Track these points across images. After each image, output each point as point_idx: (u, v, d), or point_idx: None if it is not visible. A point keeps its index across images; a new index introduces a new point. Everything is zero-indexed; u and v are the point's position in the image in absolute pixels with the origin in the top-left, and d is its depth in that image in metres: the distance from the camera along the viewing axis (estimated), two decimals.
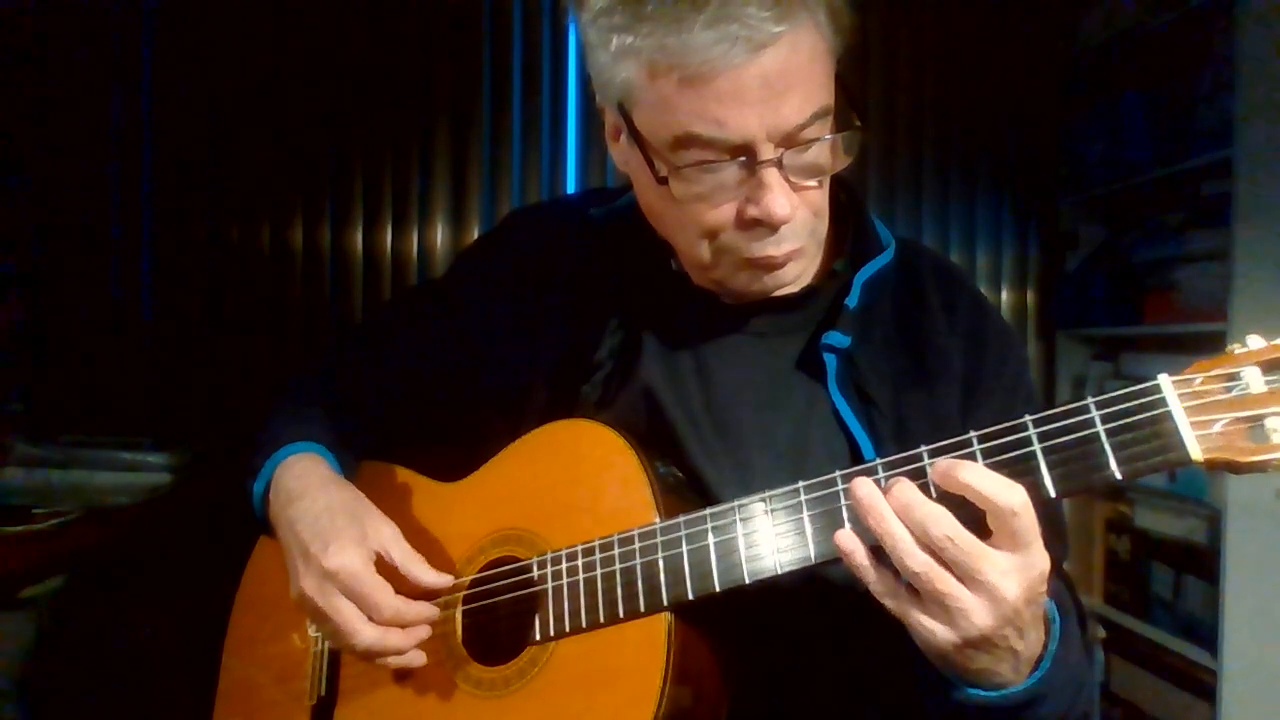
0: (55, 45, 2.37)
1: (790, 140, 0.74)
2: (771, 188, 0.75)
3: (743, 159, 0.74)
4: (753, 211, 0.76)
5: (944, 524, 0.63)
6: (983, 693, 0.70)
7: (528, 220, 1.06)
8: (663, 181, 0.77)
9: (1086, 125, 2.57)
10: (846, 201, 0.94)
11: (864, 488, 0.67)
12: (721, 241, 0.80)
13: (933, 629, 0.65)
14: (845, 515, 0.70)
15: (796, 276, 0.85)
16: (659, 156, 0.77)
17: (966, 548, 0.63)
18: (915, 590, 0.65)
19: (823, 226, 0.84)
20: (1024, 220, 2.68)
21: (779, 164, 0.74)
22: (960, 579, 0.63)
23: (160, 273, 2.43)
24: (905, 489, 0.65)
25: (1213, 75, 2.08)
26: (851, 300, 0.87)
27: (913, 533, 0.64)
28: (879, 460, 0.70)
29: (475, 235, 2.50)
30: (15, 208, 2.32)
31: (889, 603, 0.66)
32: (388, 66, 2.48)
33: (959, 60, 2.63)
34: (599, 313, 0.91)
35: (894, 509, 0.65)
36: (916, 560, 0.64)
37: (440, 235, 2.51)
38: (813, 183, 0.79)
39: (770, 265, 0.81)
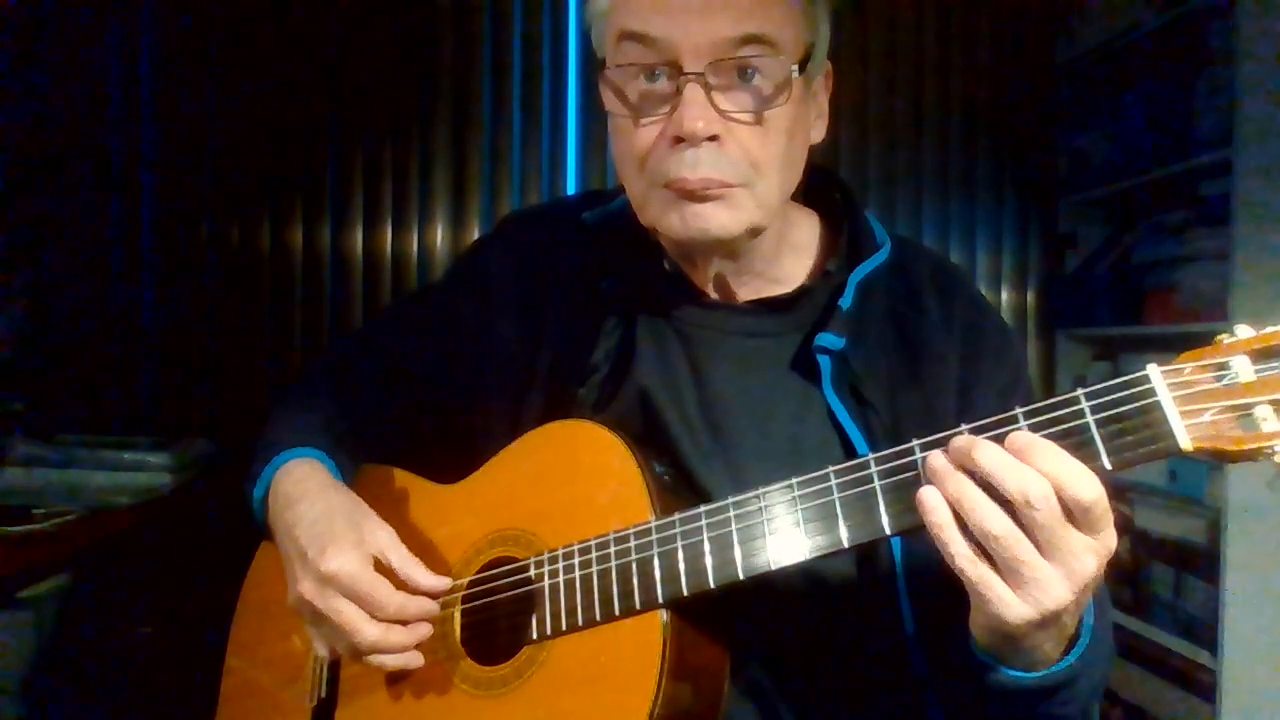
0: (55, 45, 2.37)
1: (719, 62, 0.76)
2: (690, 102, 0.76)
3: (670, 71, 0.77)
4: (673, 129, 0.78)
5: (1041, 483, 0.61)
6: (1025, 674, 0.69)
7: (523, 224, 1.06)
8: (602, 66, 0.81)
9: (1086, 125, 2.56)
10: (841, 201, 0.94)
11: (939, 459, 0.65)
12: (650, 168, 0.81)
13: (1010, 602, 0.62)
14: (839, 510, 0.70)
15: (725, 227, 0.80)
16: (605, 54, 0.82)
17: (1058, 513, 0.61)
18: (994, 560, 0.63)
19: (763, 181, 0.81)
20: (1024, 220, 2.68)
21: (702, 80, 0.76)
22: (1041, 547, 0.61)
23: (160, 273, 2.43)
24: (994, 448, 0.62)
25: (1213, 75, 2.08)
26: (845, 301, 0.87)
27: (1001, 492, 0.61)
28: (871, 455, 0.70)
29: (475, 235, 2.50)
30: (15, 208, 2.32)
31: (968, 570, 0.63)
32: (388, 66, 2.48)
33: (959, 60, 2.63)
34: (594, 316, 0.91)
35: (987, 467, 0.62)
36: (998, 523, 0.61)
37: (440, 235, 2.51)
38: (743, 115, 0.78)
39: (686, 191, 0.79)
